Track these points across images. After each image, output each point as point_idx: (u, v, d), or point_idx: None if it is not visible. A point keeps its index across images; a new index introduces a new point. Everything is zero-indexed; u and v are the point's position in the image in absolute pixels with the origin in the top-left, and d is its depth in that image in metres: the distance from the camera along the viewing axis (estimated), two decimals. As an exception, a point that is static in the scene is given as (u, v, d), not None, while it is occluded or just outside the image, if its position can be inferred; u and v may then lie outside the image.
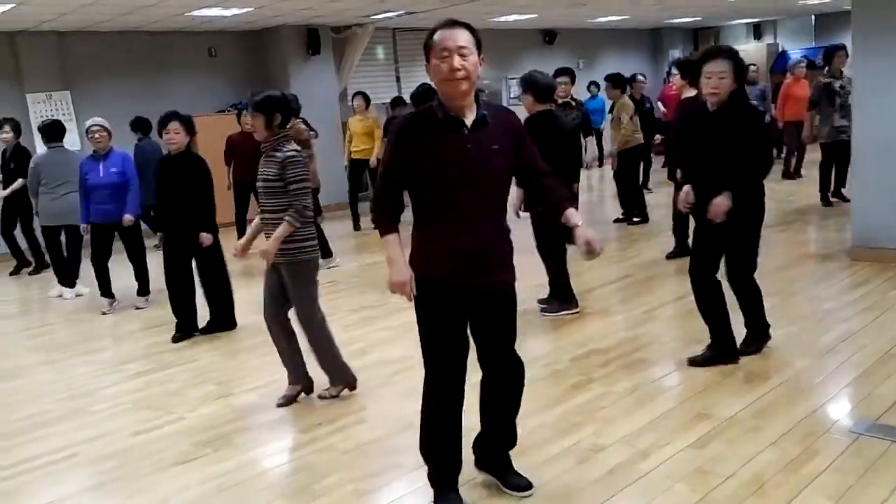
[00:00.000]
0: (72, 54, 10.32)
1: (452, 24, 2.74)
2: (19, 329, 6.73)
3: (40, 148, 7.81)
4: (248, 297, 5.91)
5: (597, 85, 13.16)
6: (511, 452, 3.28)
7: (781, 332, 4.92)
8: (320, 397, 4.39)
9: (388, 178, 2.86)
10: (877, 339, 4.68)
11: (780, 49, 17.65)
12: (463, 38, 2.71)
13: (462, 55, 2.69)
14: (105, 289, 6.78)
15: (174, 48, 11.21)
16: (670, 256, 7.12)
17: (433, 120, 2.76)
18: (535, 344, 5.11)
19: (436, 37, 2.72)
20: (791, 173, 11.18)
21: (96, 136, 6.45)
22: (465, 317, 2.95)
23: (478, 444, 3.26)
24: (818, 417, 3.75)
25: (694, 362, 4.44)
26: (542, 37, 15.39)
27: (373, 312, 6.21)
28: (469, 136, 2.76)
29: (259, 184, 4.19)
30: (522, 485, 3.19)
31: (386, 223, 2.88)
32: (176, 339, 5.75)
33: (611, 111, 9.47)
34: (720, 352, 4.42)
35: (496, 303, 2.98)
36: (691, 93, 6.32)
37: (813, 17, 17.14)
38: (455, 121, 2.76)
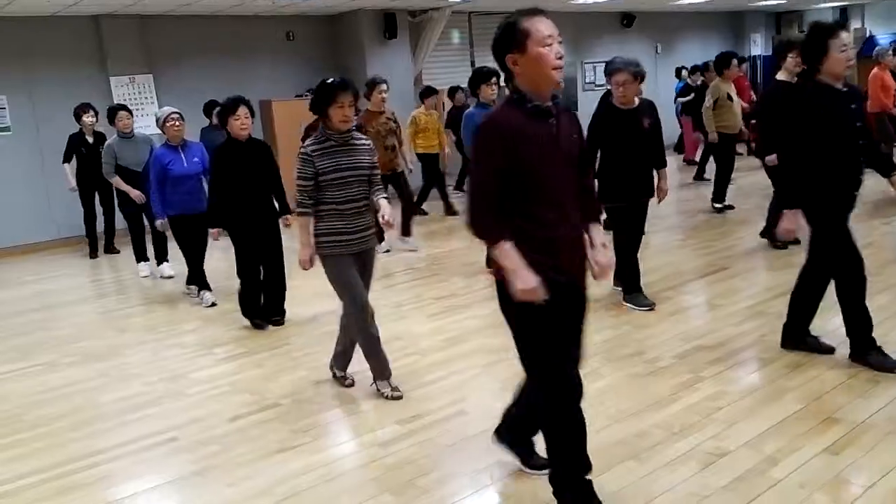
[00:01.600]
0: (154, 38, 10.40)
1: (541, 11, 2.65)
2: (104, 311, 6.79)
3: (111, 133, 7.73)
4: (320, 286, 5.81)
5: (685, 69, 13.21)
6: (623, 455, 3.29)
7: (904, 331, 4.61)
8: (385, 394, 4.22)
9: (489, 178, 2.64)
10: None
11: (868, 34, 16.82)
12: (554, 27, 2.65)
13: (559, 43, 2.64)
14: (202, 281, 6.56)
15: (253, 32, 11.21)
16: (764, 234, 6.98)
17: (521, 112, 2.64)
18: (633, 339, 4.89)
19: (533, 25, 2.60)
20: None
21: (176, 124, 6.26)
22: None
23: (507, 420, 3.25)
24: (961, 426, 3.45)
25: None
26: (620, 20, 14.97)
27: (459, 301, 6.05)
28: (555, 125, 2.69)
29: (350, 172, 4.03)
30: (542, 464, 3.13)
31: (497, 229, 2.65)
32: (262, 326, 5.69)
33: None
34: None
35: (583, 297, 2.89)
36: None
37: None
38: (543, 111, 2.66)
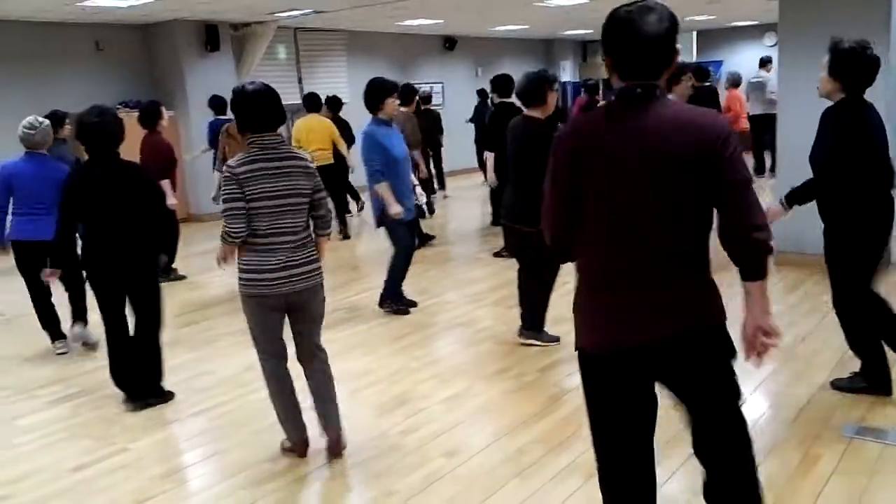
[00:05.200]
0: (-61, 43, 9.28)
1: (650, 10, 2.06)
2: None
3: None
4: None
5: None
6: (508, 475, 3.02)
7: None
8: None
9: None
10: (830, 341, 4.80)
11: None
12: None
13: None
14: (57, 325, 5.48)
15: (58, 41, 10.29)
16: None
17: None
18: (497, 354, 4.93)
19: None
20: None
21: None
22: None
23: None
24: (804, 422, 3.76)
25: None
26: (443, 43, 15.33)
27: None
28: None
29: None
30: None
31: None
32: (138, 408, 4.35)
33: None
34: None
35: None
36: None
37: (695, 34, 17.95)
38: None
